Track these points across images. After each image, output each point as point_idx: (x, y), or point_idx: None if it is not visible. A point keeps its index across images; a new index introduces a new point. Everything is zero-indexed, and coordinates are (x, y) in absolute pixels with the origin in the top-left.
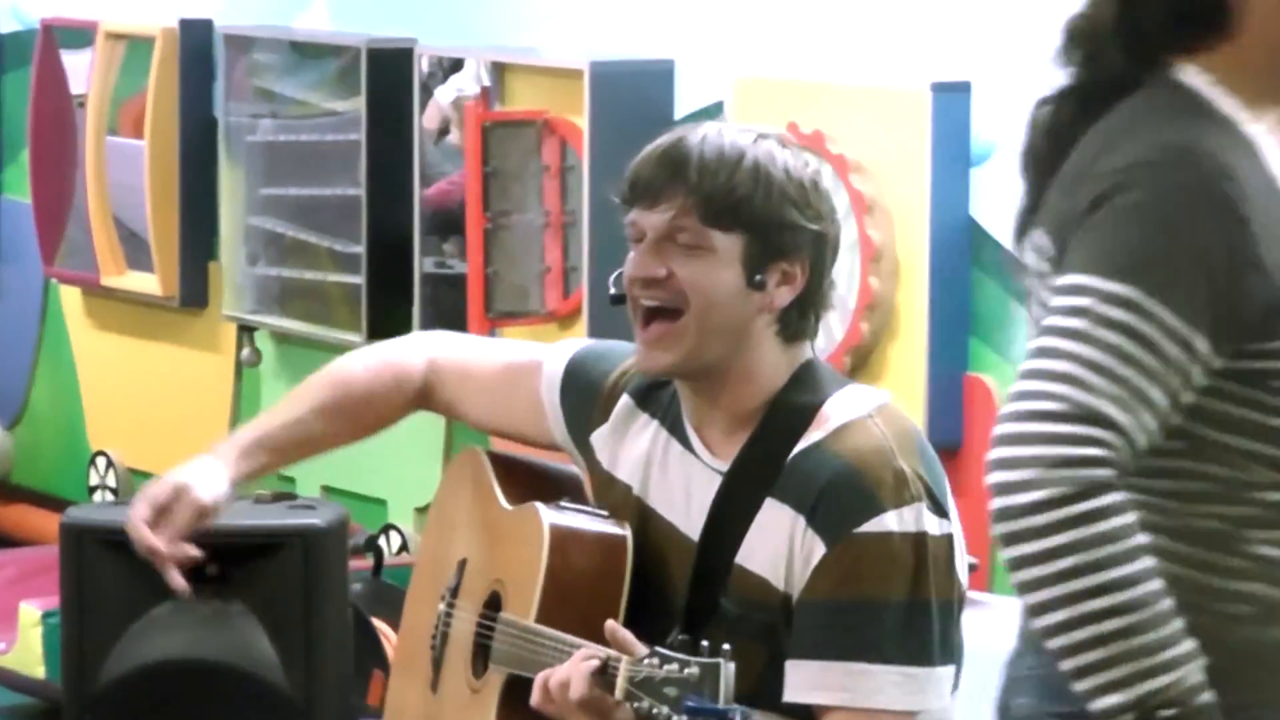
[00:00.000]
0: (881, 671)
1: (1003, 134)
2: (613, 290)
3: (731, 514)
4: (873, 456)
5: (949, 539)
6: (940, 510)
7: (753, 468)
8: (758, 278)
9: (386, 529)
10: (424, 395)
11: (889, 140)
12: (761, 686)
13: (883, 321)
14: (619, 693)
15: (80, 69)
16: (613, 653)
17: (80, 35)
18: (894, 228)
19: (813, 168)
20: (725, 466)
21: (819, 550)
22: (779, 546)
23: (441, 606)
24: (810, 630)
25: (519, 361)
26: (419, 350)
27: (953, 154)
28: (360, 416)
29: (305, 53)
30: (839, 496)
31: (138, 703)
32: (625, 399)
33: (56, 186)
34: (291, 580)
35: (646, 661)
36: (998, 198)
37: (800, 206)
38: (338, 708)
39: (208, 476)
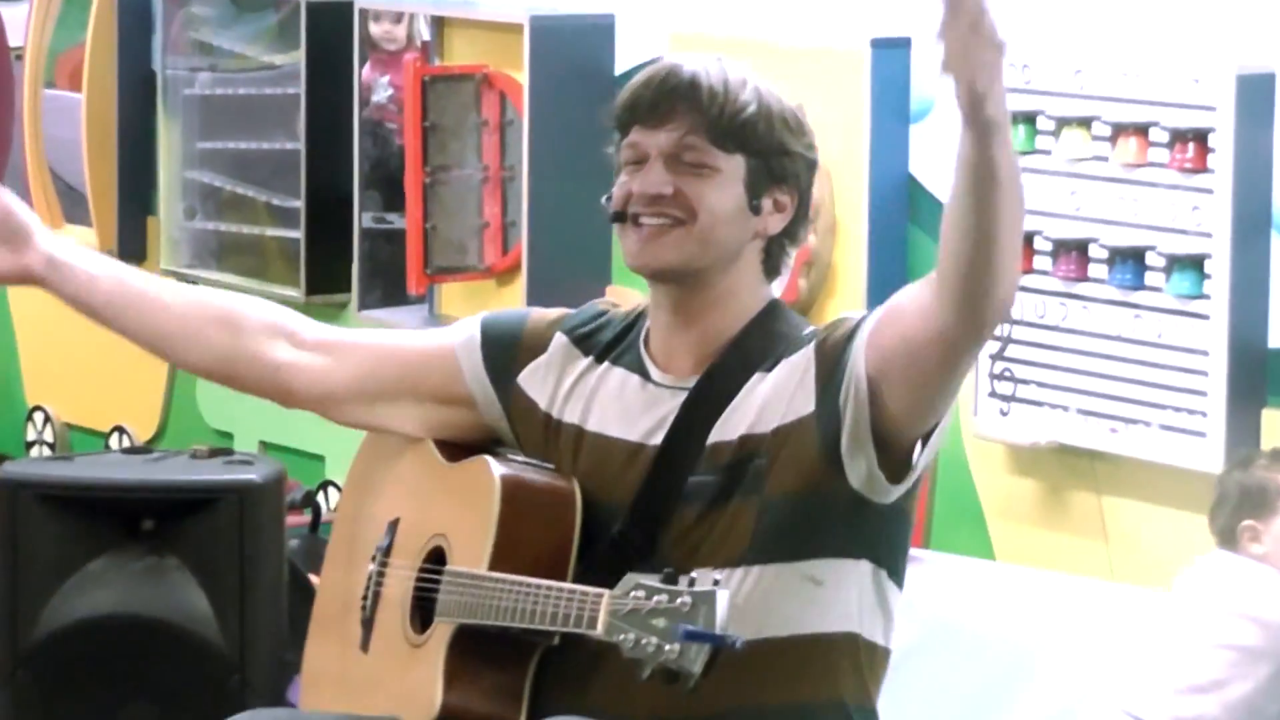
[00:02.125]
0: None
1: (942, 90)
2: (612, 209)
3: (705, 404)
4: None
5: None
6: None
7: (728, 367)
8: (756, 201)
9: (324, 485)
10: (295, 356)
11: (827, 97)
12: (755, 540)
13: (820, 278)
14: (600, 628)
15: (17, 21)
16: (591, 589)
17: None
18: (832, 185)
19: (798, 102)
20: (688, 384)
21: (809, 352)
22: (767, 398)
23: (372, 567)
24: (840, 351)
25: (431, 355)
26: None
27: (892, 110)
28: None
29: (244, 5)
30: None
31: (72, 657)
32: (560, 337)
33: None
34: (227, 535)
35: (633, 595)
36: (936, 154)
37: (795, 133)
38: (272, 664)
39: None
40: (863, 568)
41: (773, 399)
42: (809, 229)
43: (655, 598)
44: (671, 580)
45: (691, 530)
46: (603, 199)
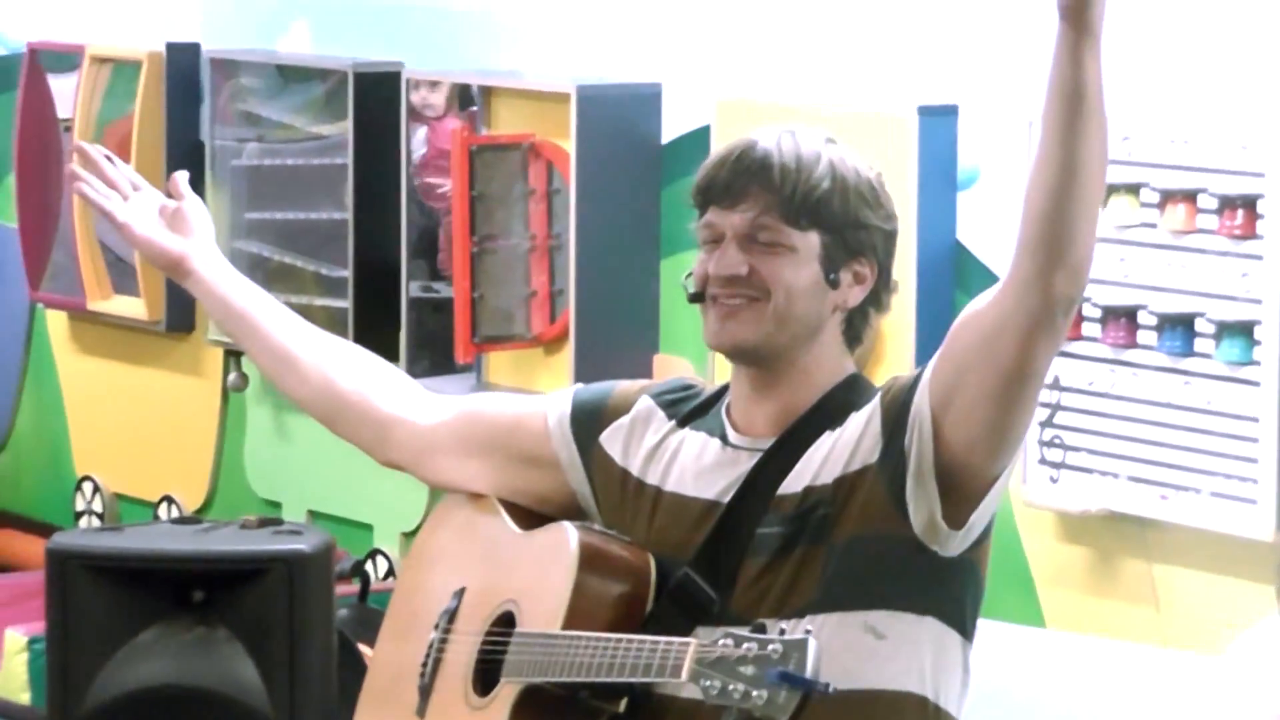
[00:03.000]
0: None
1: (988, 158)
2: (690, 290)
3: (777, 463)
4: None
5: None
6: None
7: (804, 431)
8: (833, 276)
9: (373, 554)
10: (405, 423)
11: (875, 163)
12: (821, 588)
13: (869, 344)
14: (686, 673)
15: (66, 92)
16: (676, 639)
17: (66, 59)
18: None
19: (876, 170)
20: (764, 445)
21: (875, 405)
22: (833, 451)
23: (434, 635)
24: (903, 400)
25: (526, 423)
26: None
27: (939, 177)
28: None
29: (291, 76)
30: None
31: None
32: (646, 399)
33: (42, 210)
34: (276, 606)
35: (721, 643)
36: (983, 221)
37: (872, 206)
38: None
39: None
40: (929, 625)
41: (836, 450)
42: (890, 297)
43: (745, 645)
44: (761, 630)
45: (757, 581)
46: (683, 277)
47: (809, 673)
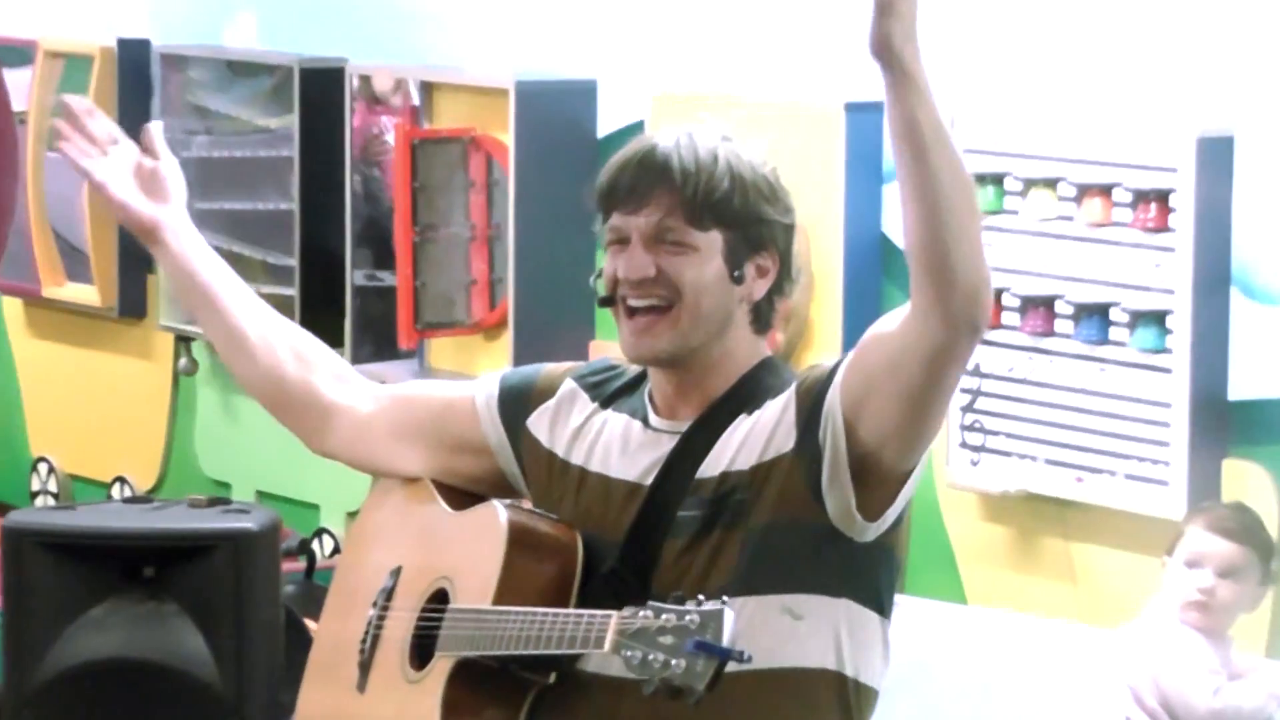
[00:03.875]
0: None
1: None
2: (600, 293)
3: (695, 445)
4: None
5: None
6: None
7: (721, 413)
8: (737, 272)
9: (319, 532)
10: (332, 403)
11: (804, 157)
12: (739, 570)
13: (798, 331)
14: (608, 644)
15: (21, 85)
16: (599, 611)
17: (20, 53)
18: (809, 242)
19: (771, 165)
20: (683, 428)
21: (789, 394)
22: (749, 436)
23: (372, 612)
24: (817, 392)
25: (454, 406)
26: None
27: (865, 171)
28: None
29: (239, 70)
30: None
31: (75, 699)
32: (570, 383)
33: None
34: (224, 582)
35: (641, 614)
36: None
37: (770, 201)
38: (268, 705)
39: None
40: (845, 606)
41: (752, 436)
42: (793, 284)
43: (664, 616)
44: (680, 602)
45: (677, 562)
46: (591, 279)
47: (725, 641)
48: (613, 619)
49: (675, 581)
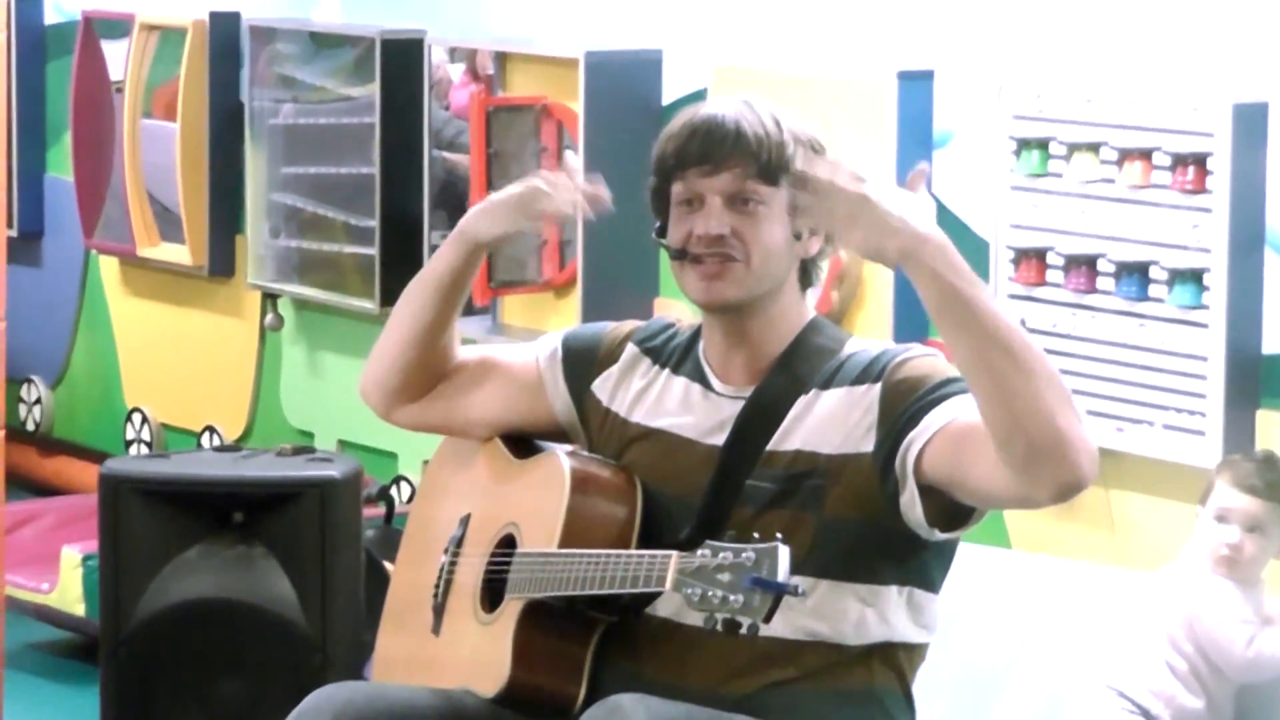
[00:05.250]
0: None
1: (961, 120)
2: (666, 244)
3: (762, 413)
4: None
5: None
6: None
7: (782, 381)
8: (797, 230)
9: (397, 480)
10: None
11: (857, 125)
12: (813, 553)
13: (851, 291)
14: (669, 583)
15: (118, 57)
16: (660, 552)
17: (118, 26)
18: None
19: (814, 129)
20: (746, 393)
21: (875, 391)
22: (827, 420)
23: (444, 559)
24: (906, 414)
25: (513, 362)
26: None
27: (916, 138)
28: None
29: (323, 43)
30: (888, 357)
31: (168, 638)
32: (631, 347)
33: (96, 165)
34: (309, 527)
35: (700, 553)
36: (957, 178)
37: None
38: (351, 643)
39: None
40: (908, 592)
41: (831, 422)
42: (835, 244)
43: (721, 554)
44: (735, 541)
45: (747, 529)
46: (653, 233)
47: (780, 577)
48: (673, 558)
49: (743, 537)
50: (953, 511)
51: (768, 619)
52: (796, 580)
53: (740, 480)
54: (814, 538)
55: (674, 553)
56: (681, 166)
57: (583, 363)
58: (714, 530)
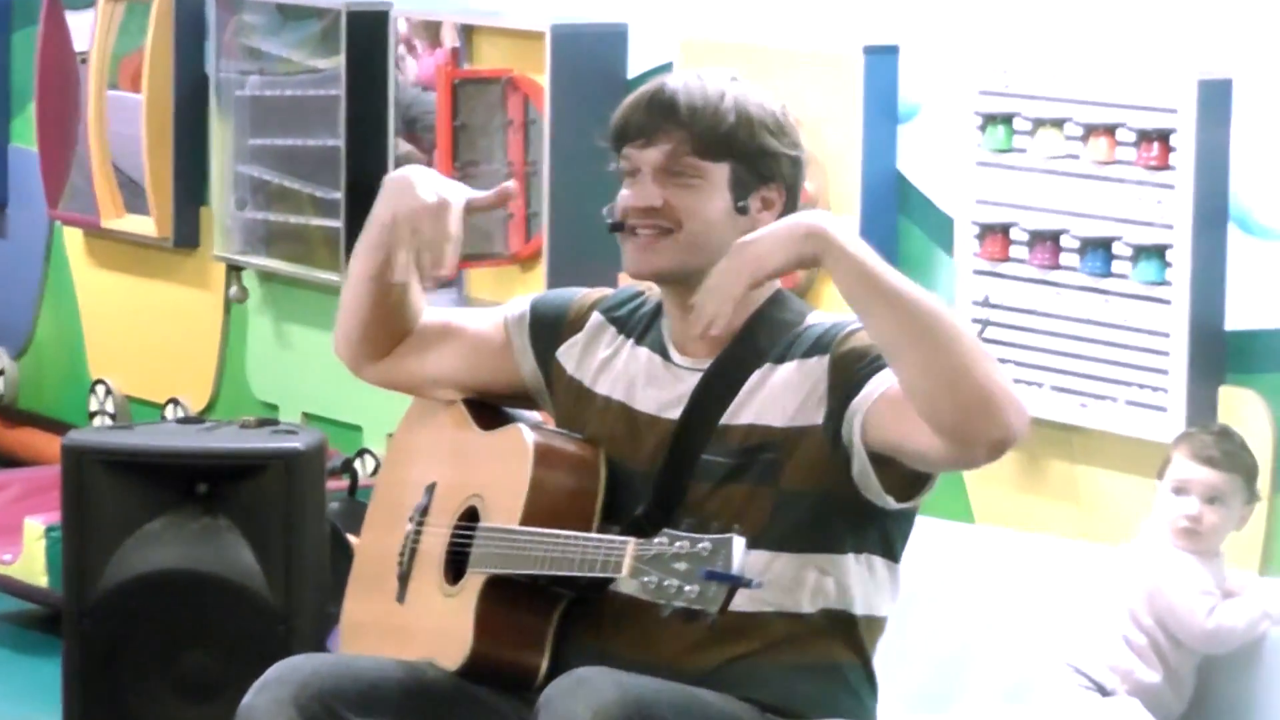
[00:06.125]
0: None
1: (926, 94)
2: (609, 220)
3: (718, 388)
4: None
5: None
6: None
7: (740, 354)
8: (742, 203)
9: (361, 452)
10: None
11: (823, 98)
12: (771, 527)
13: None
14: (626, 569)
15: (83, 28)
16: (618, 537)
17: None
18: (827, 179)
19: (781, 103)
20: (704, 365)
21: (824, 363)
22: (780, 393)
23: (410, 526)
24: (851, 383)
25: (481, 322)
26: None
27: (881, 112)
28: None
29: (289, 14)
30: (837, 330)
31: (132, 609)
32: (596, 315)
33: (60, 136)
34: (274, 498)
35: (657, 541)
36: (922, 152)
37: (777, 135)
38: (315, 614)
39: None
40: (865, 560)
41: (782, 395)
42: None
43: (678, 544)
44: (692, 530)
45: (702, 505)
46: (603, 211)
47: (735, 569)
48: (630, 545)
49: (701, 525)
50: (910, 479)
51: (723, 610)
52: (751, 574)
53: (695, 455)
54: (771, 513)
55: (631, 540)
56: (622, 139)
57: (549, 328)
58: (670, 506)
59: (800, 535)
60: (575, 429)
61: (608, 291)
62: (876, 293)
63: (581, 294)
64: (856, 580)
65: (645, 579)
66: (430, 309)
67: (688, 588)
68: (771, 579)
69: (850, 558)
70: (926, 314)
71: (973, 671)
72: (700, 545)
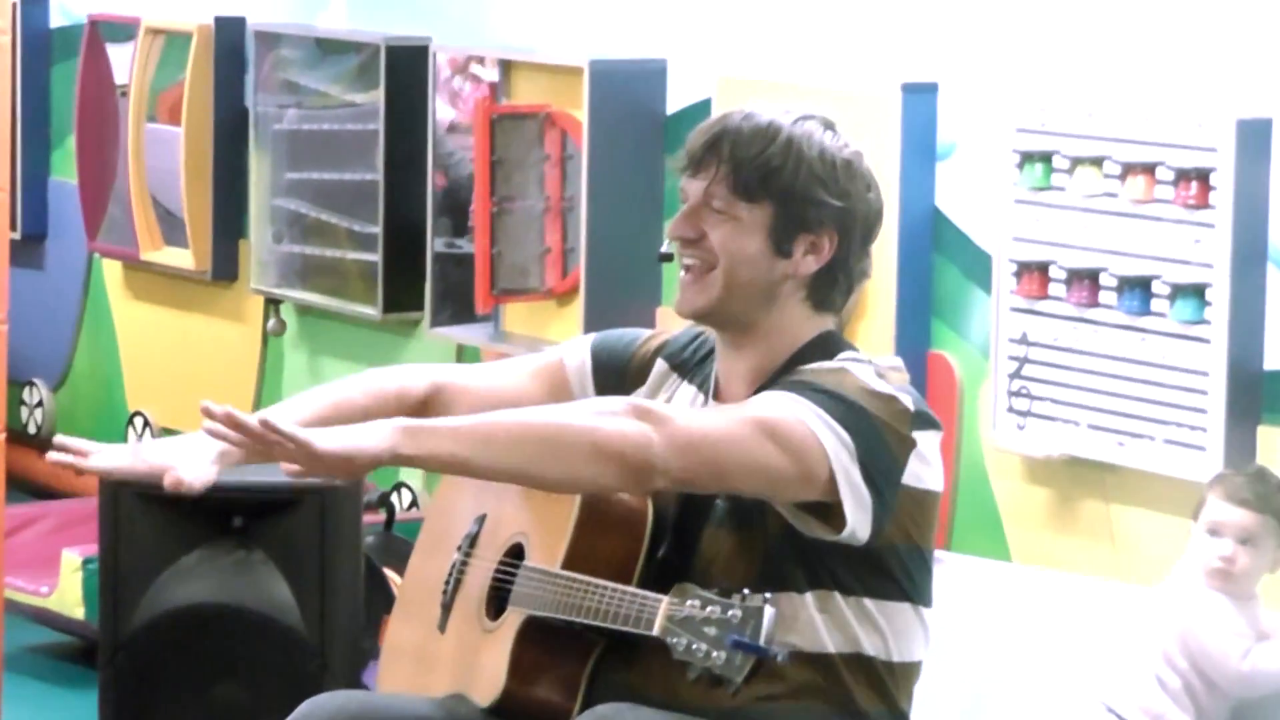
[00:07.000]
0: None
1: (964, 132)
2: (663, 249)
3: None
4: (856, 369)
5: (908, 412)
6: (927, 419)
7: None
8: (785, 246)
9: (398, 486)
10: (422, 412)
11: (861, 136)
12: (766, 569)
13: (854, 302)
14: (657, 629)
15: (123, 61)
16: (652, 594)
17: (123, 30)
18: None
19: (851, 149)
20: None
21: None
22: None
23: (457, 556)
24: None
25: (540, 365)
26: (420, 375)
27: (920, 149)
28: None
29: (328, 48)
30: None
31: (167, 642)
32: (661, 363)
33: (100, 169)
34: (309, 533)
35: (689, 604)
36: (959, 190)
37: (827, 183)
38: (350, 649)
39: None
40: (862, 602)
41: None
42: (865, 266)
43: (709, 608)
44: (725, 594)
45: (710, 548)
46: (666, 239)
47: (763, 640)
48: (663, 604)
49: (706, 568)
50: (809, 508)
51: (747, 680)
52: (778, 648)
53: (709, 500)
54: (761, 554)
55: (665, 599)
56: (681, 166)
57: (614, 375)
58: (687, 548)
59: (791, 574)
60: None
61: (669, 335)
62: (458, 463)
63: (643, 339)
64: (863, 620)
65: (674, 639)
66: (492, 371)
67: (715, 653)
68: (779, 616)
69: (844, 597)
70: (500, 444)
71: (1007, 710)
72: (730, 612)
